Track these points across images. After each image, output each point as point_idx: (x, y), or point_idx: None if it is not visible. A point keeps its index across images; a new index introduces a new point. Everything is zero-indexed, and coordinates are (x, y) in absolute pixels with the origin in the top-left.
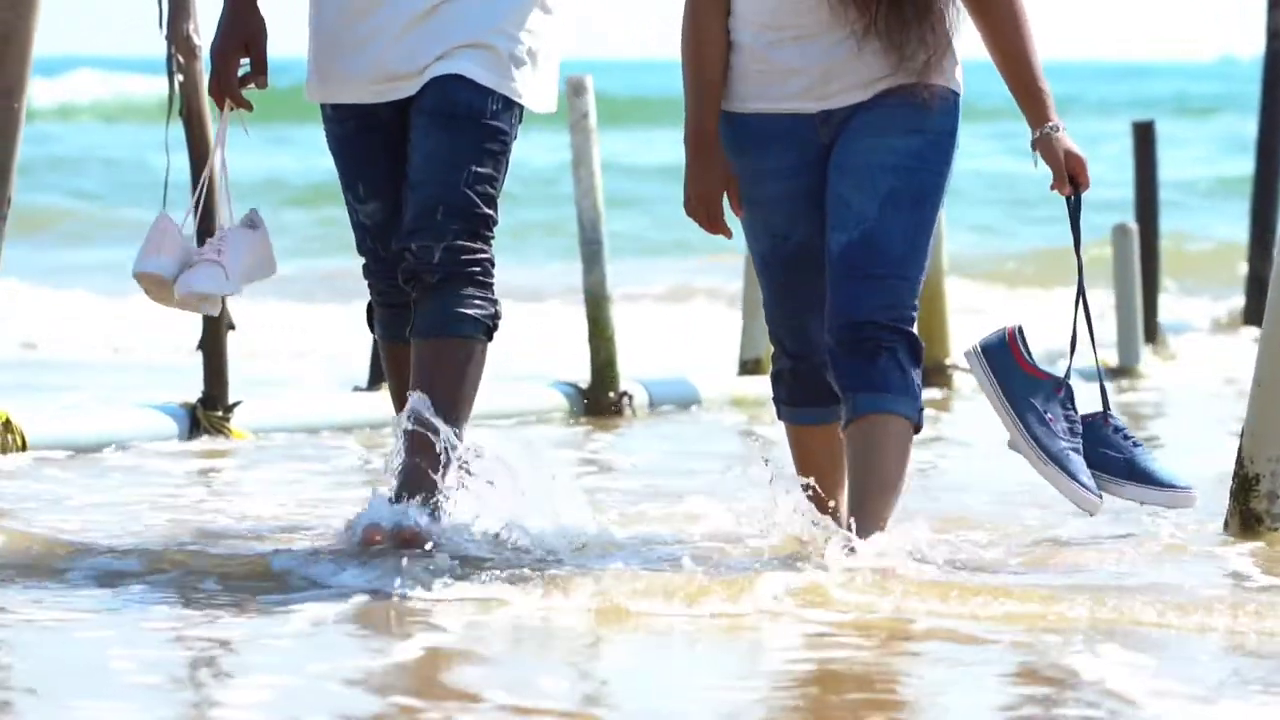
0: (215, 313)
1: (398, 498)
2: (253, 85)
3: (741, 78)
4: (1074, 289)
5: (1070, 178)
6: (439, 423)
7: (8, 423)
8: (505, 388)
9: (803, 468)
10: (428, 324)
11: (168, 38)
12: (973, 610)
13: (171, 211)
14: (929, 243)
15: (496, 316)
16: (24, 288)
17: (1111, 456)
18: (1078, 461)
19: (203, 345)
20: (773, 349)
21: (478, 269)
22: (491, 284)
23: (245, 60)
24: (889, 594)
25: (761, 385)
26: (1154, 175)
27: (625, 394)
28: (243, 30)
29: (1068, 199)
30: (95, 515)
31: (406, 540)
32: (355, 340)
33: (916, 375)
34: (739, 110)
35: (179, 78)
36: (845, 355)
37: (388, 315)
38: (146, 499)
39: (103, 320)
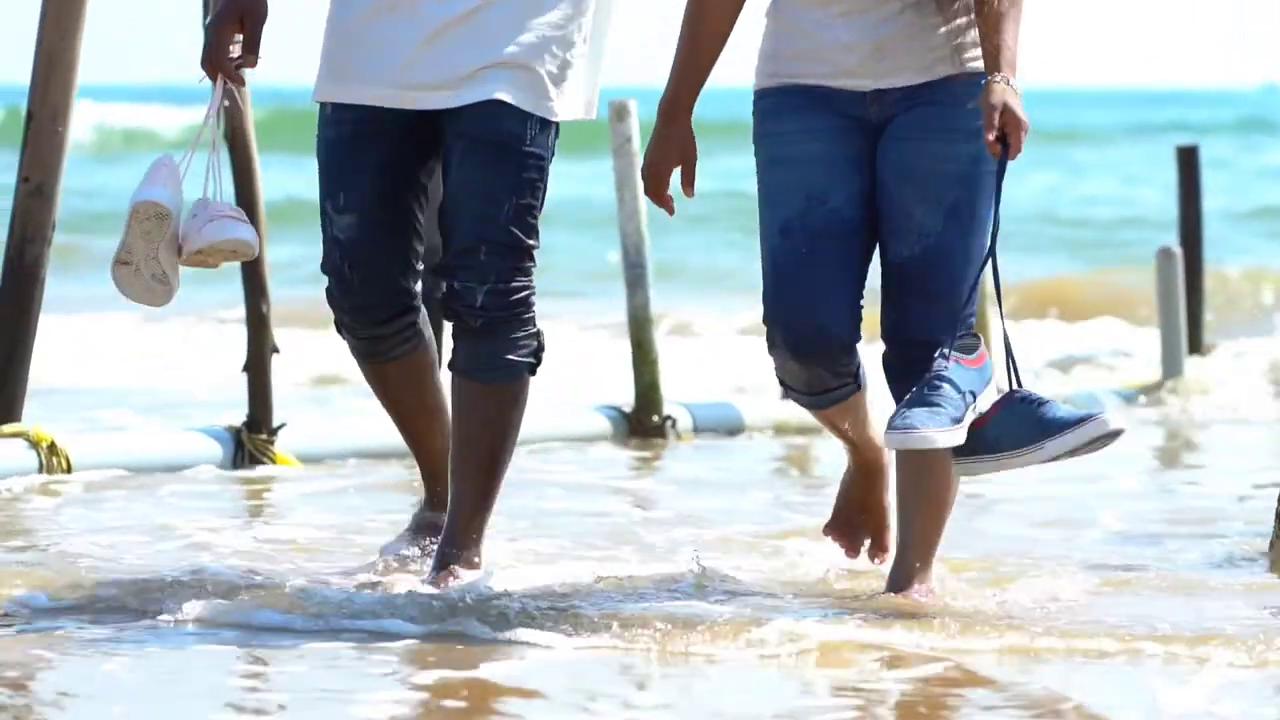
0: (164, 302)
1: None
2: (242, 63)
3: (790, 56)
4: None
5: (1002, 137)
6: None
7: (53, 446)
8: (549, 411)
9: (831, 424)
10: (473, 366)
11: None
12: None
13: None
14: (985, 244)
15: (540, 350)
16: (66, 316)
17: (1026, 429)
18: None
19: (248, 368)
20: (767, 337)
21: (521, 308)
22: (533, 316)
23: (239, 38)
24: (938, 630)
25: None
26: (1198, 199)
27: (669, 418)
28: (239, 5)
29: (999, 159)
30: (125, 539)
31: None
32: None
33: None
34: (784, 84)
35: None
36: (903, 371)
37: (355, 340)
38: (185, 524)
39: (147, 344)
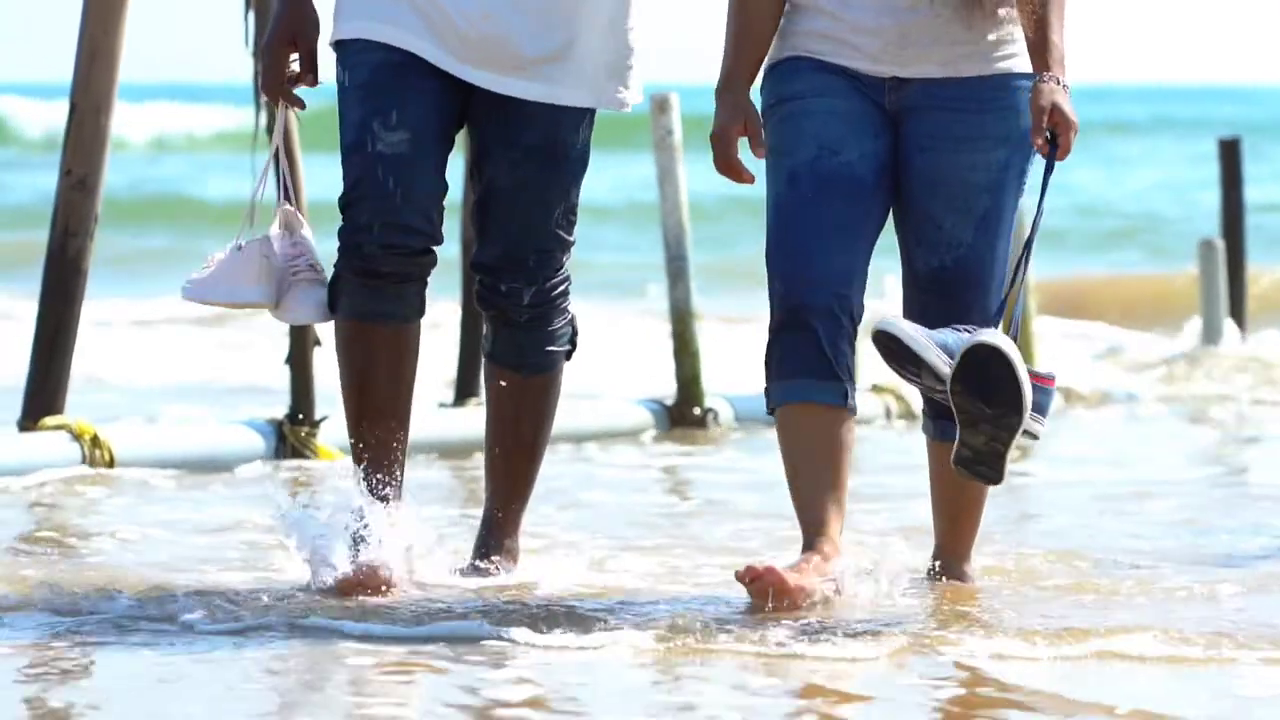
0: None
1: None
2: (302, 84)
3: (807, 34)
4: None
5: (1052, 136)
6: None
7: (95, 439)
8: (589, 405)
9: (799, 464)
10: (514, 358)
11: (255, 55)
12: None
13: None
14: (1010, 242)
15: (575, 334)
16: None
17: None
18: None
19: (290, 360)
20: (770, 308)
21: (562, 298)
22: (568, 304)
23: (295, 57)
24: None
25: None
26: (1240, 191)
27: (710, 410)
28: (291, 26)
29: (1047, 159)
30: (173, 537)
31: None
32: (442, 356)
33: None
34: (809, 57)
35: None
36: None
37: (363, 289)
38: (227, 521)
39: (189, 337)
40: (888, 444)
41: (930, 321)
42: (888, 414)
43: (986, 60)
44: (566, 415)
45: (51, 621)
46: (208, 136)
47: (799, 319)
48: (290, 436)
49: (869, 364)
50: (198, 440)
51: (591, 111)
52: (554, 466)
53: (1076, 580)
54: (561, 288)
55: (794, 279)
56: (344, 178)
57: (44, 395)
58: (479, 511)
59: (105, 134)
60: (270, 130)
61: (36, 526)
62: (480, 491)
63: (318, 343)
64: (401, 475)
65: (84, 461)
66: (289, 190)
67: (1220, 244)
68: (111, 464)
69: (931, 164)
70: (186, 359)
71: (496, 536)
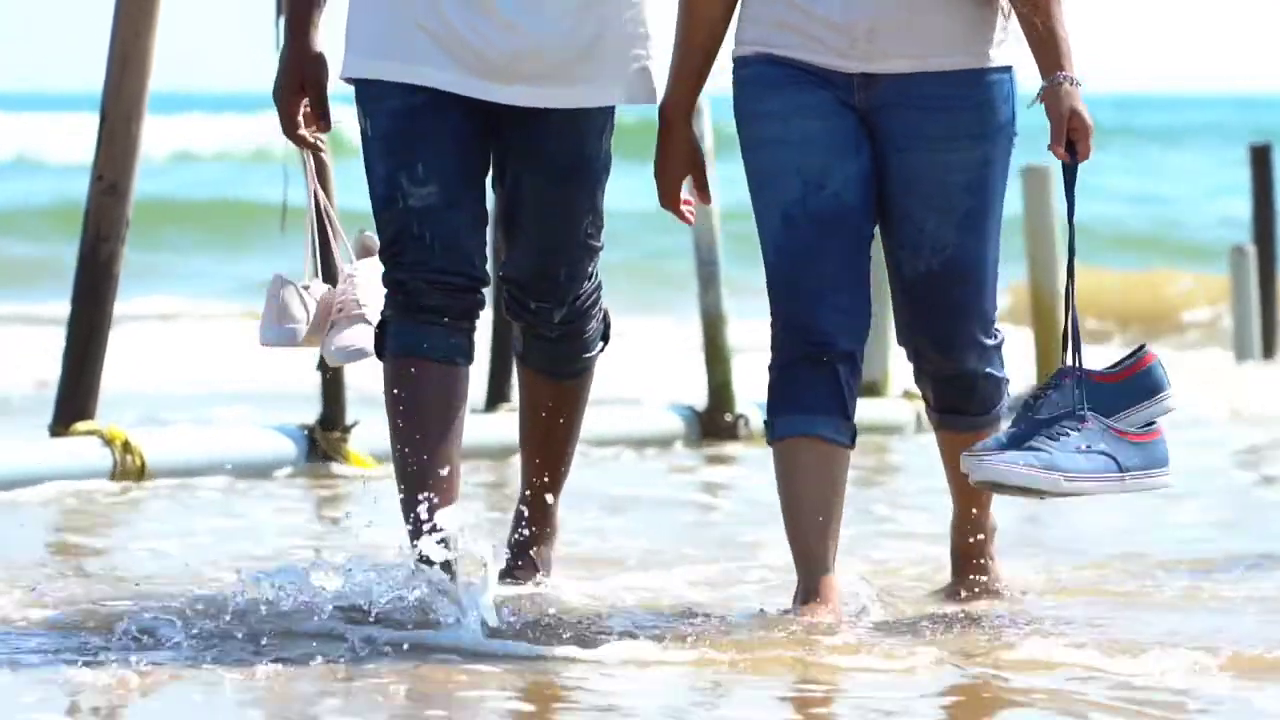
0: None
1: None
2: (315, 129)
3: (771, 25)
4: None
5: (1069, 143)
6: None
7: (126, 444)
8: (621, 410)
9: (795, 497)
10: (547, 367)
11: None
12: None
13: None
14: (999, 240)
15: (608, 329)
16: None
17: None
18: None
19: (321, 366)
20: (774, 341)
21: (594, 306)
22: (600, 308)
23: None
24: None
25: (877, 409)
26: (1271, 197)
27: (741, 416)
28: (298, 70)
29: (1064, 165)
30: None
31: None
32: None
33: (1002, 366)
34: (767, 53)
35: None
36: (939, 383)
37: (410, 325)
38: (259, 527)
39: (220, 342)
40: (919, 451)
41: (922, 323)
42: (919, 421)
43: (958, 54)
44: (598, 420)
45: (80, 642)
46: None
47: (817, 357)
48: (322, 442)
49: (899, 370)
50: (228, 445)
51: (612, 114)
52: (585, 471)
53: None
54: (593, 297)
55: (809, 320)
56: (379, 231)
57: (75, 400)
58: (510, 515)
59: (136, 140)
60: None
61: (66, 534)
62: (513, 497)
63: None
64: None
65: (114, 467)
66: (328, 233)
67: (1252, 250)
68: (142, 469)
69: (907, 164)
70: (217, 364)
71: (532, 535)
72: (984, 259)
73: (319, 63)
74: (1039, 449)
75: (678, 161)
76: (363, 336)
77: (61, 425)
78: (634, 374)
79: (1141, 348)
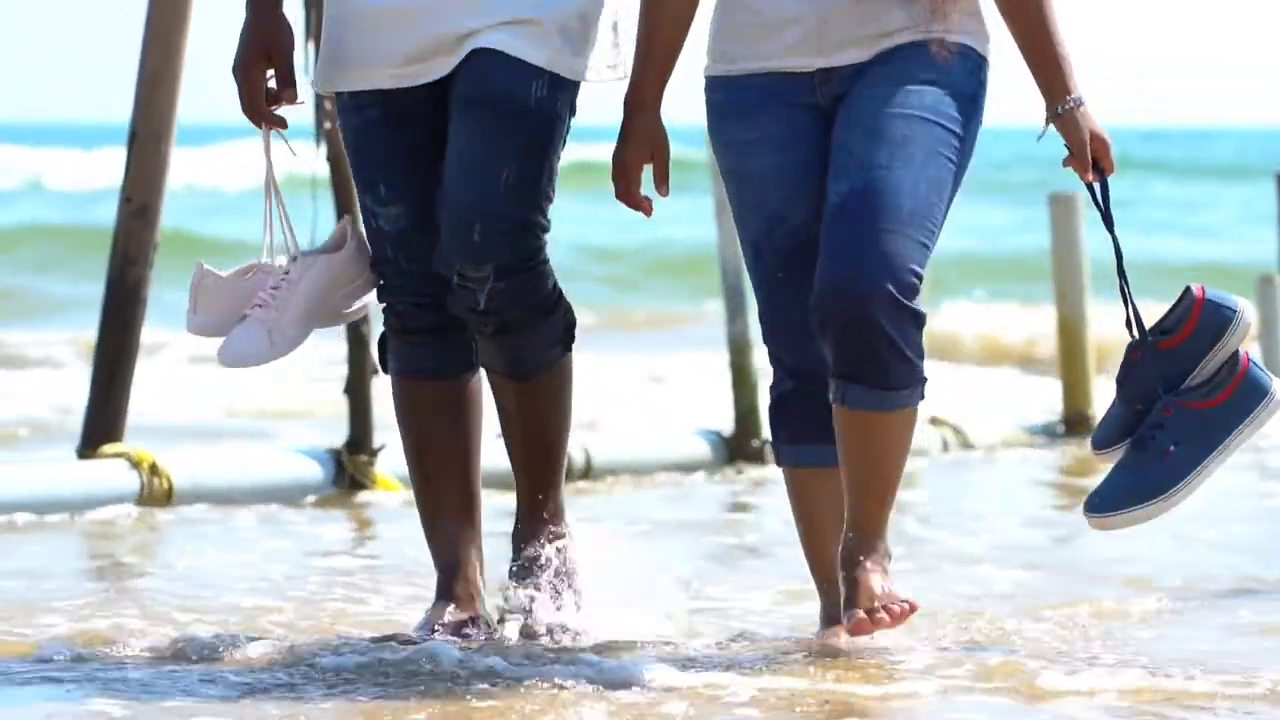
0: (265, 362)
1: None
2: (284, 103)
3: (731, 33)
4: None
5: (1093, 161)
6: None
7: (154, 466)
8: (648, 434)
9: (806, 523)
10: (499, 367)
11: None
12: None
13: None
14: (945, 212)
15: (570, 328)
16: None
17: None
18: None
19: (348, 390)
20: (772, 371)
21: (532, 300)
22: (553, 300)
23: (271, 73)
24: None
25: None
26: None
27: (767, 441)
28: (262, 38)
29: (1091, 186)
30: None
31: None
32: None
33: (919, 346)
34: (729, 72)
35: (325, 124)
36: (838, 332)
37: (404, 346)
38: (283, 552)
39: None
40: (943, 476)
41: (834, 256)
42: (945, 446)
43: (909, 32)
44: (625, 445)
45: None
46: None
47: (802, 388)
48: (349, 465)
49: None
50: (256, 468)
51: (549, 73)
52: (613, 495)
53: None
54: (531, 287)
55: (787, 354)
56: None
57: (103, 423)
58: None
59: (165, 161)
60: (332, 160)
61: (96, 559)
62: (586, 513)
63: (375, 371)
64: (476, 556)
65: (142, 489)
66: (286, 221)
67: (1279, 278)
68: (169, 492)
69: (852, 108)
70: (240, 385)
71: (530, 528)
72: (913, 194)
73: (285, 30)
74: (1134, 469)
75: (636, 148)
76: (252, 343)
77: (89, 448)
78: (661, 400)
79: (1187, 290)
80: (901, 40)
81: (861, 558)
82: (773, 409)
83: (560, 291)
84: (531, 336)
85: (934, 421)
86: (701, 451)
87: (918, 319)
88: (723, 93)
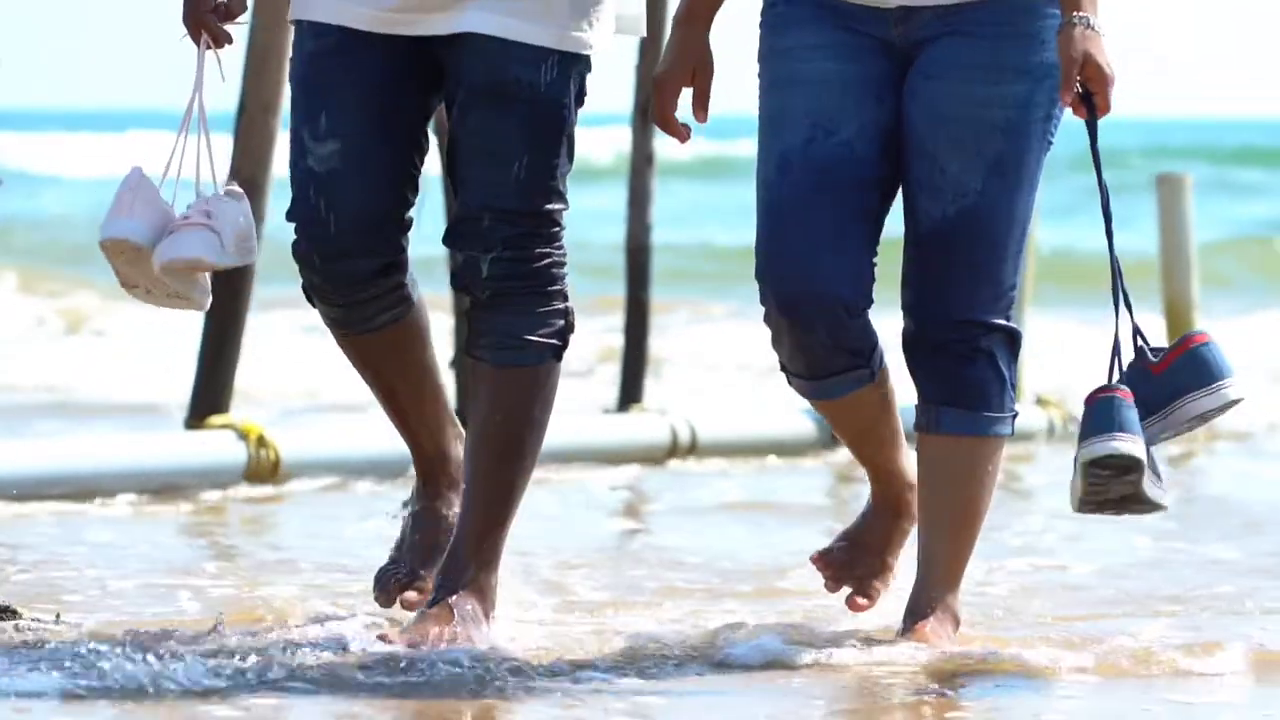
0: (202, 306)
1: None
2: (232, 18)
3: None
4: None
5: (1086, 93)
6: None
7: (261, 438)
8: (751, 413)
9: (846, 434)
10: (483, 344)
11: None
12: None
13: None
14: (1033, 203)
15: (566, 331)
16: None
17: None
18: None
19: (455, 364)
20: (764, 305)
21: (539, 280)
22: (560, 289)
23: None
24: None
25: None
26: None
27: None
28: None
29: (1086, 121)
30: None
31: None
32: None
33: (1014, 373)
34: None
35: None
36: (932, 355)
37: (327, 313)
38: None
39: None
40: (1049, 460)
41: (928, 284)
42: (1050, 429)
43: None
44: (725, 421)
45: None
46: None
47: (799, 325)
48: None
49: (1031, 374)
50: (363, 441)
51: (564, 57)
52: (709, 477)
53: None
54: (538, 265)
55: (790, 285)
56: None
57: (210, 394)
58: (634, 523)
59: (273, 134)
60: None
61: (204, 542)
62: (637, 504)
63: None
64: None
65: (249, 461)
66: (209, 151)
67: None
68: (277, 464)
69: (937, 94)
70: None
71: (460, 566)
72: (1009, 217)
73: None
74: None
75: (679, 68)
76: (204, 245)
77: (196, 419)
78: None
79: (1191, 332)
80: None
81: (929, 610)
82: (778, 344)
83: (566, 291)
84: (525, 313)
85: (1040, 402)
86: (806, 430)
87: (1013, 339)
88: (784, 6)
